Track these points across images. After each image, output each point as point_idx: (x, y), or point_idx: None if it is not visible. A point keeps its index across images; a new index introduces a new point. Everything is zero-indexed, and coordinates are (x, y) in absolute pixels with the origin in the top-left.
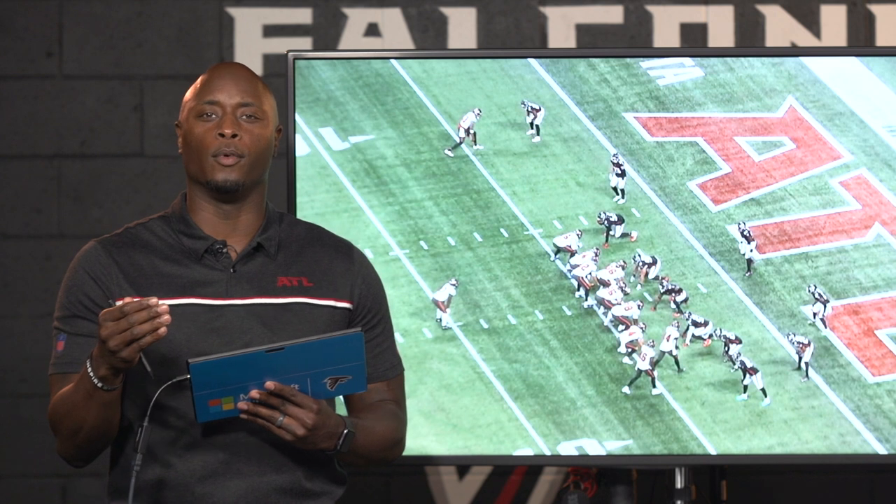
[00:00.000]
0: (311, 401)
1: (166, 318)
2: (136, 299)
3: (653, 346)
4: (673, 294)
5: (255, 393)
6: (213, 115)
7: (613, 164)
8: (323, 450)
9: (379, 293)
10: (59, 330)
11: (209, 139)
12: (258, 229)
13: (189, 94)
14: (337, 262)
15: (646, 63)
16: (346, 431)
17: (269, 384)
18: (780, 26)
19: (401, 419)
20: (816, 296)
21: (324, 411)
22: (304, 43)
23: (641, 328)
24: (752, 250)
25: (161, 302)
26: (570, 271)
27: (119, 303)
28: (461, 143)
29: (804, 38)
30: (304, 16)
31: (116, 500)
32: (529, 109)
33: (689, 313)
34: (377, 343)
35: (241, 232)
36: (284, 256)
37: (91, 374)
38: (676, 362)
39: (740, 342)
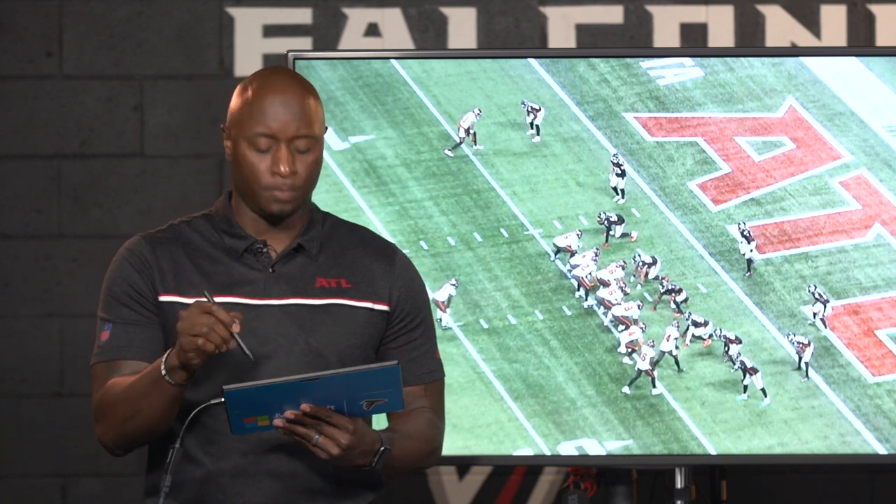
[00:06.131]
0: (347, 420)
1: (230, 340)
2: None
3: (653, 346)
4: (673, 294)
5: (289, 413)
6: (268, 149)
7: (613, 164)
8: (358, 466)
9: (420, 296)
10: (104, 320)
11: (265, 176)
12: (301, 230)
13: (238, 105)
14: (377, 263)
15: (646, 63)
16: (381, 449)
17: (305, 406)
18: (780, 26)
19: (438, 427)
20: (816, 296)
21: (359, 430)
22: (304, 43)
23: (641, 328)
24: (752, 250)
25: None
26: (570, 271)
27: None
28: (461, 143)
29: (804, 38)
30: (304, 16)
31: (152, 496)
32: (529, 109)
33: (689, 313)
34: (414, 347)
35: (284, 232)
36: (325, 258)
37: (163, 364)
38: (676, 362)
39: (740, 342)
